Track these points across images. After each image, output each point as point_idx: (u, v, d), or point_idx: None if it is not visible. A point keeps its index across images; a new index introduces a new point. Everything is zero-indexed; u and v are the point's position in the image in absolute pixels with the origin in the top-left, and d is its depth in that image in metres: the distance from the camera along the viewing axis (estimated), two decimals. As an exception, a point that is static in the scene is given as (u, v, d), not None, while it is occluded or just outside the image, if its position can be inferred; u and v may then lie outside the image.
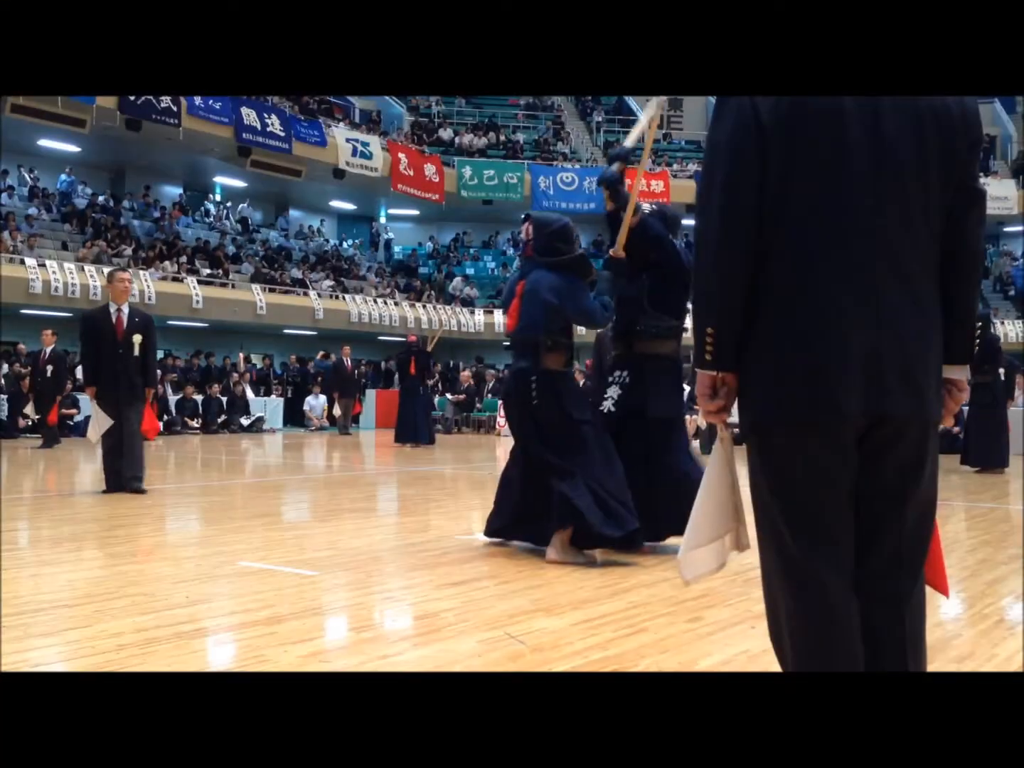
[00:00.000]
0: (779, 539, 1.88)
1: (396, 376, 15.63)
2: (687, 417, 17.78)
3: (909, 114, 1.83)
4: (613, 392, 5.25)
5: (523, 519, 5.06)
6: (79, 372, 18.12)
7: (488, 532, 5.27)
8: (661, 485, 5.01)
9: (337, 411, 18.81)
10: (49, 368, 13.70)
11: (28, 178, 21.87)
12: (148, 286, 18.94)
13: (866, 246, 1.81)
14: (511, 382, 5.12)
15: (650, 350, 5.17)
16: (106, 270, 18.87)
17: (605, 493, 4.72)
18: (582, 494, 4.68)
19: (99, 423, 7.59)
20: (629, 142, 5.50)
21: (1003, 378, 11.34)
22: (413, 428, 14.74)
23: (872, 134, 1.81)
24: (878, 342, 1.80)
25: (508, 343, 5.32)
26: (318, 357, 22.35)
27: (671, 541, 5.02)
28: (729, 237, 1.84)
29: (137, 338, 7.75)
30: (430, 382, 17.39)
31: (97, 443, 7.77)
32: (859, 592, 1.88)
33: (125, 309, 7.83)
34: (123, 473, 7.63)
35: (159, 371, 14.66)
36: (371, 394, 21.47)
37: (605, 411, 5.20)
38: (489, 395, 21.01)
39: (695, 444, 15.68)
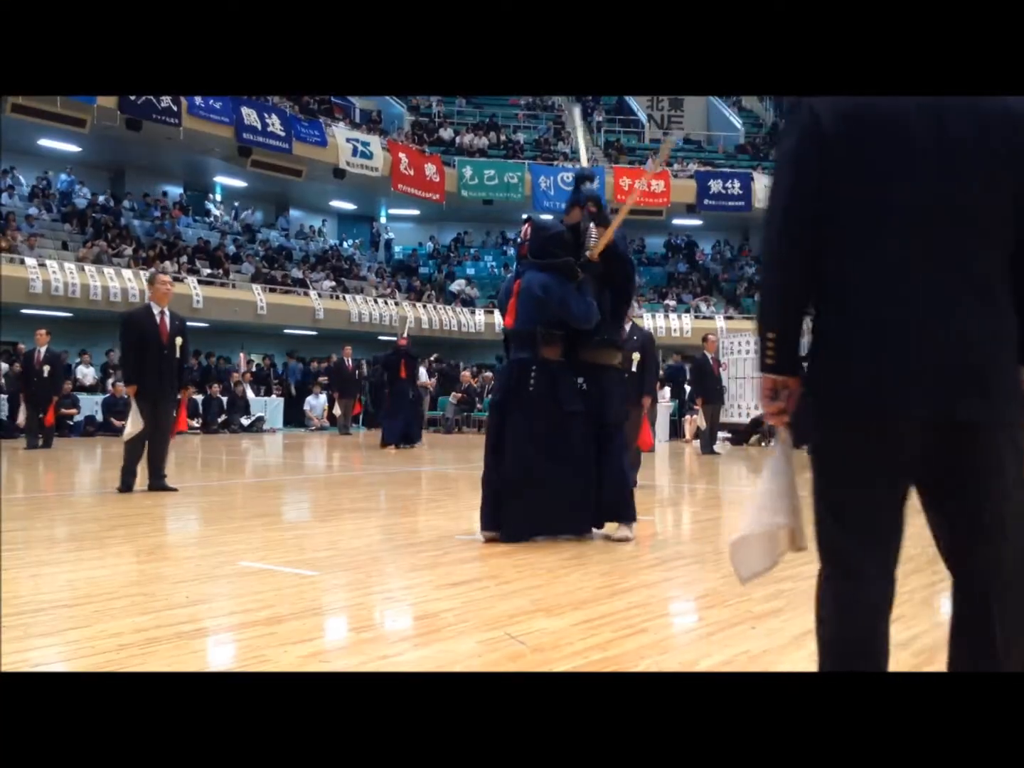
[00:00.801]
0: (827, 536, 1.91)
1: (385, 378, 15.37)
2: (687, 417, 17.91)
3: (973, 117, 1.82)
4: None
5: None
6: (79, 372, 18.19)
7: (484, 527, 5.44)
8: (609, 481, 5.47)
9: (337, 411, 18.81)
10: (46, 368, 13.60)
11: (24, 179, 21.84)
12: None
13: (925, 249, 1.81)
14: (510, 371, 5.56)
15: (601, 360, 5.61)
16: (106, 270, 18.96)
17: (562, 494, 5.30)
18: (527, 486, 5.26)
19: (135, 424, 7.63)
20: (583, 162, 6.25)
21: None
22: (401, 432, 14.71)
23: (936, 139, 1.81)
24: (936, 344, 1.79)
25: (504, 338, 5.79)
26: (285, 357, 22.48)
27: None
28: (790, 245, 1.88)
29: (179, 340, 7.88)
30: (429, 383, 17.28)
31: (128, 440, 7.76)
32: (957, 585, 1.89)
33: (167, 312, 7.91)
34: (150, 474, 7.78)
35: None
36: (371, 394, 21.48)
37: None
38: (490, 395, 20.98)
39: (695, 444, 15.78)
